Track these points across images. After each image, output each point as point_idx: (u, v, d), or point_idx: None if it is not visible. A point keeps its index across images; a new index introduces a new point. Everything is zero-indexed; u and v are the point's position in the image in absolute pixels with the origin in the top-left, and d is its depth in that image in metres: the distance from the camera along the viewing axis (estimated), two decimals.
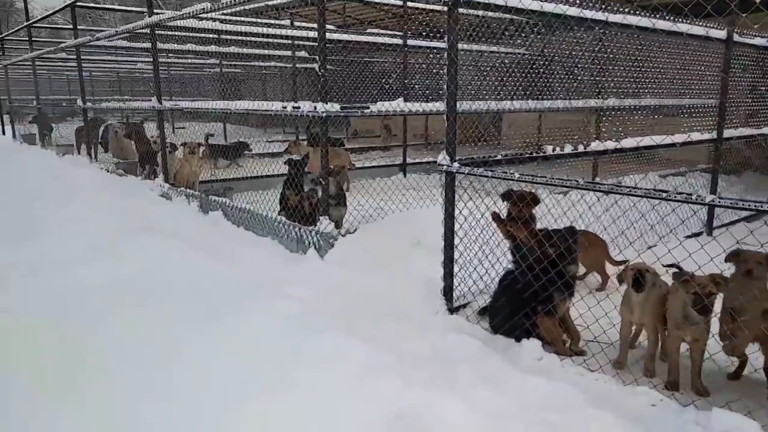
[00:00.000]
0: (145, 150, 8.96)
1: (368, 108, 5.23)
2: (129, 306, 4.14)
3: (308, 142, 13.39)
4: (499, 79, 7.78)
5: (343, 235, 5.25)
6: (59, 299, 4.29)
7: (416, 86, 14.90)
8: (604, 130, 7.82)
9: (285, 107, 5.38)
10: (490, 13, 5.44)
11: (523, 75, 8.35)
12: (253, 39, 13.96)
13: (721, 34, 6.00)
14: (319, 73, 4.93)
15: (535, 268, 3.44)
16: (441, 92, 16.85)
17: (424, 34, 11.81)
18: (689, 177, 9.31)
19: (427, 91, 16.92)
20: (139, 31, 7.92)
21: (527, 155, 4.23)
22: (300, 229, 5.45)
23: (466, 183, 4.18)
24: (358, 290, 4.49)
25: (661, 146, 5.28)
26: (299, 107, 5.20)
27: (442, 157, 3.89)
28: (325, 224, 5.19)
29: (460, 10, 3.73)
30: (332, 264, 4.99)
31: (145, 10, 12.38)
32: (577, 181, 3.21)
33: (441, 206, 6.23)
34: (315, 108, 5.00)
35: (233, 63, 16.73)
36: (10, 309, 4.17)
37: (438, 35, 11.02)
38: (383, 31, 13.32)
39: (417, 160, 11.51)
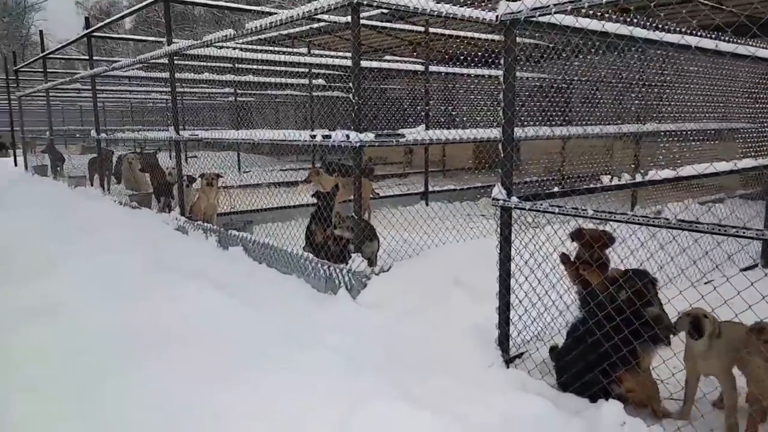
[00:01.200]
0: (161, 182, 8.62)
1: (403, 136, 4.85)
2: (142, 357, 3.73)
3: (326, 171, 13.12)
4: (543, 102, 7.38)
5: (376, 274, 4.83)
6: (65, 348, 3.89)
7: (432, 113, 14.63)
8: (651, 156, 7.37)
9: (314, 136, 5.01)
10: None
11: (565, 99, 7.97)
12: (269, 67, 13.82)
13: None
14: (353, 100, 4.56)
15: (615, 318, 2.99)
16: (458, 118, 16.61)
17: (444, 60, 11.58)
18: (730, 204, 8.86)
19: (442, 118, 16.70)
20: (156, 60, 7.69)
21: (585, 187, 3.80)
22: (329, 267, 5.02)
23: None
24: (399, 338, 4.04)
25: (721, 173, 4.86)
26: (330, 136, 4.83)
27: (498, 191, 3.47)
28: (357, 262, 4.76)
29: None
30: (367, 306, 4.55)
31: (159, 39, 12.25)
32: (666, 220, 2.78)
33: (476, 240, 5.88)
34: (348, 137, 4.63)
35: (248, 92, 16.56)
36: (10, 359, 3.79)
37: (459, 61, 10.76)
38: (402, 59, 13.10)
39: (438, 188, 11.10)
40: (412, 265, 4.99)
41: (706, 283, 4.16)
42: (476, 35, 10.71)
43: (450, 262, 5.07)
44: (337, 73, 14.81)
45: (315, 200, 6.03)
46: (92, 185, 11.82)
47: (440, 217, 7.24)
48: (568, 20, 3.53)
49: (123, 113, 30.28)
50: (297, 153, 22.75)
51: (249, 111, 21.26)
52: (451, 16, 4.82)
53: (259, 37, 16.31)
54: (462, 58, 9.97)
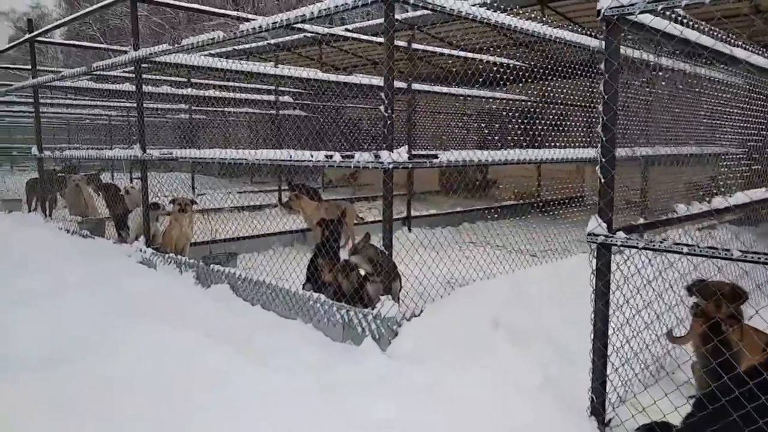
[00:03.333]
0: (121, 210, 7.50)
1: (437, 157, 4.16)
2: None
3: (291, 194, 12.21)
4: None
5: (407, 319, 4.07)
6: None
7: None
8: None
9: (330, 156, 4.24)
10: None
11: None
12: (228, 83, 12.89)
13: None
14: (386, 114, 3.84)
15: None
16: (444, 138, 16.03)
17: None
18: (725, 230, 8.65)
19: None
20: (106, 72, 6.71)
21: (685, 214, 3.23)
22: (348, 311, 4.22)
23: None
24: (457, 404, 3.28)
25: None
26: (352, 156, 4.08)
27: (596, 225, 2.82)
28: (388, 306, 3.99)
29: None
30: (403, 361, 3.77)
31: (120, 48, 11.11)
32: None
33: (505, 275, 5.23)
34: (378, 158, 3.89)
35: (203, 108, 15.50)
36: None
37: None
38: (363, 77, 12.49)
39: (419, 213, 10.44)
40: (445, 308, 4.26)
41: None
42: (460, 53, 10.26)
43: (486, 302, 4.39)
44: (305, 91, 14.09)
45: (308, 227, 5.26)
46: (30, 210, 10.44)
47: (424, 245, 6.53)
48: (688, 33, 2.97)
49: (55, 131, 28.13)
50: (252, 174, 21.66)
51: (202, 129, 20.12)
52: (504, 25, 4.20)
53: (238, 47, 15.39)
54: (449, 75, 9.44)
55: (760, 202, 4.43)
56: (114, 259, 6.58)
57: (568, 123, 10.62)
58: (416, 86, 9.56)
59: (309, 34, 14.32)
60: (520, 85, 12.68)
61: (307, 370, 3.74)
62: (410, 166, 3.97)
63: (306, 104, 13.37)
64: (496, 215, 10.06)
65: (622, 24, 2.71)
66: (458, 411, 3.20)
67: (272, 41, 15.81)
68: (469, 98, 11.59)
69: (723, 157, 4.04)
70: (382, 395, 3.39)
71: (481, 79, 9.73)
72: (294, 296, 4.67)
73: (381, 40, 9.85)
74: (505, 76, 9.14)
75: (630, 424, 3.00)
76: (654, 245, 2.61)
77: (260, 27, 4.61)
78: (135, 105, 16.02)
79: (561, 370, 3.63)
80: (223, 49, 16.59)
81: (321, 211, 7.79)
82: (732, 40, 3.97)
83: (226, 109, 13.65)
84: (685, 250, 2.52)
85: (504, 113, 14.23)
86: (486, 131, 14.69)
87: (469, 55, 10.28)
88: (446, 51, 10.56)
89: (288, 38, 15.88)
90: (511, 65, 10.86)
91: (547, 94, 11.64)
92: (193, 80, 13.69)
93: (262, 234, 7.37)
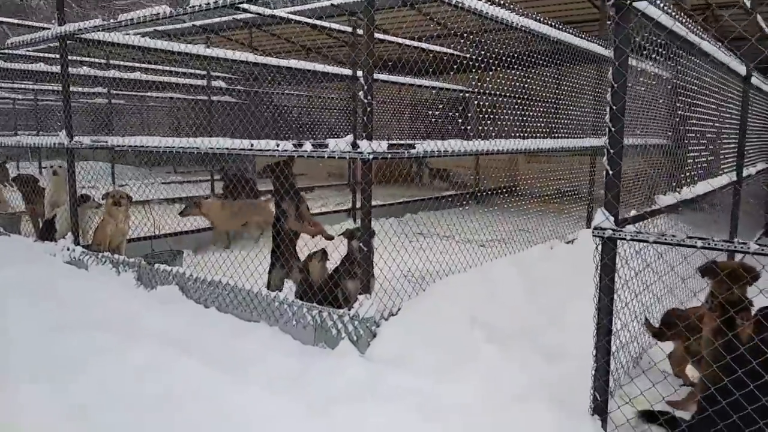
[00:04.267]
0: (42, 201, 6.70)
1: (413, 147, 3.93)
2: None
3: (226, 188, 11.56)
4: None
5: (386, 319, 3.85)
6: None
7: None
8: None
9: (300, 145, 3.91)
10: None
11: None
12: (154, 66, 11.99)
13: None
14: (365, 101, 3.57)
15: None
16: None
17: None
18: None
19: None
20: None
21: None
22: (320, 312, 3.93)
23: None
24: (452, 414, 3.08)
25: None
26: (325, 145, 3.78)
27: (603, 218, 2.71)
28: (367, 306, 3.74)
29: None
30: (385, 365, 3.54)
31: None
32: None
33: (475, 269, 5.10)
34: (356, 147, 3.62)
35: (124, 93, 14.43)
36: None
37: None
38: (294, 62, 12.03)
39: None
40: (422, 306, 4.07)
41: None
42: (416, 44, 10.05)
43: (461, 299, 4.26)
44: (236, 77, 13.38)
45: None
46: None
47: (377, 236, 6.33)
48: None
49: None
50: (175, 164, 20.46)
51: (119, 115, 18.76)
52: None
53: (159, 28, 14.40)
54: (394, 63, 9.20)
55: (720, 189, 4.58)
56: (38, 260, 5.89)
57: (502, 113, 10.76)
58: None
59: (239, 17, 13.66)
60: (457, 75, 12.68)
61: (286, 382, 3.44)
62: (389, 156, 3.72)
63: (241, 90, 12.70)
64: (441, 205, 10.01)
65: (630, 13, 2.60)
66: (454, 422, 3.01)
67: (198, 23, 14.93)
68: (411, 86, 11.43)
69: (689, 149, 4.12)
70: (371, 406, 3.16)
71: (422, 68, 9.65)
72: (256, 296, 4.32)
73: (328, 24, 9.52)
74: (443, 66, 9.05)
75: (634, 422, 2.95)
76: (666, 239, 2.53)
77: (215, 2, 4.18)
78: (43, 87, 14.64)
79: (548, 370, 3.54)
80: (145, 30, 15.49)
81: (227, 213, 7.25)
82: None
83: (153, 94, 12.75)
84: (699, 243, 2.45)
85: (440, 103, 14.27)
86: (426, 121, 14.64)
87: (413, 43, 10.12)
88: (387, 38, 10.34)
89: (216, 20, 15.06)
90: (452, 55, 10.82)
91: (482, 84, 11.71)
92: (113, 62, 12.67)
93: (208, 228, 6.86)
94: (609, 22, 2.71)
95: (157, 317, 4.36)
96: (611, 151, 2.69)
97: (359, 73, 9.65)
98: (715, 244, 2.43)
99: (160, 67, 12.06)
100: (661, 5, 2.88)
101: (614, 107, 2.67)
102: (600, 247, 2.76)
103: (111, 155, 14.85)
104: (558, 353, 3.73)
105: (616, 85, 2.65)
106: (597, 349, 2.82)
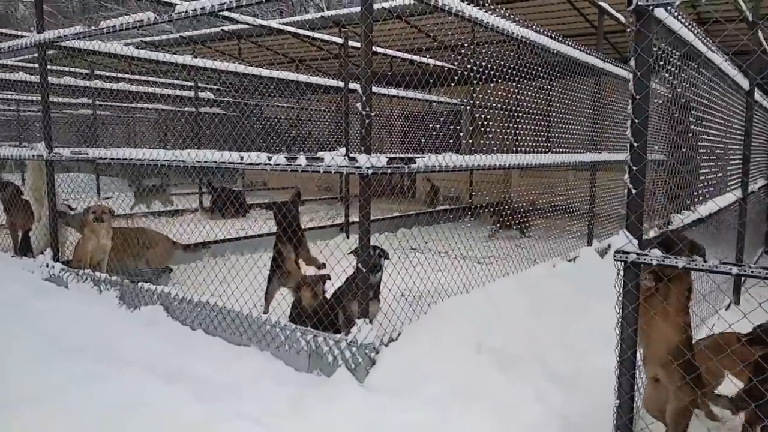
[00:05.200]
0: (22, 213, 6.36)
1: (414, 162, 3.73)
2: None
3: (216, 198, 11.26)
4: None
5: (385, 345, 3.61)
6: None
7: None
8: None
9: (293, 159, 3.69)
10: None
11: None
12: (144, 78, 11.74)
13: None
14: (363, 113, 3.36)
15: None
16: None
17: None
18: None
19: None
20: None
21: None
22: (315, 336, 3.69)
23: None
24: None
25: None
26: (321, 159, 3.56)
27: (626, 241, 2.52)
28: (366, 331, 3.50)
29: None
30: (387, 396, 3.30)
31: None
32: None
33: (477, 289, 4.87)
34: (353, 160, 3.40)
35: (110, 103, 14.12)
36: None
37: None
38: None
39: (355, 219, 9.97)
40: (423, 330, 3.84)
41: None
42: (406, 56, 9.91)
43: (465, 323, 4.03)
44: (223, 88, 13.17)
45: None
46: None
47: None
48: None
49: None
50: (161, 175, 20.07)
51: (103, 127, 18.41)
52: None
53: (146, 38, 14.17)
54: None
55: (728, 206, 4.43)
56: (15, 277, 5.58)
57: (497, 127, 10.64)
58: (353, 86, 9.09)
59: (227, 28, 13.47)
60: (449, 88, 12.57)
61: (280, 416, 3.18)
62: (389, 171, 3.51)
63: (229, 102, 12.47)
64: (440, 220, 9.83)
65: (652, 20, 2.42)
66: None
67: (185, 34, 14.72)
68: (402, 99, 11.28)
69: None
70: None
71: (415, 81, 9.50)
72: (246, 319, 4.06)
73: (321, 35, 9.35)
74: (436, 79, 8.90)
75: None
76: (698, 264, 2.33)
77: (203, 8, 3.97)
78: (26, 98, 14.27)
79: (564, 401, 3.33)
80: (132, 41, 15.24)
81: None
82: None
83: (139, 105, 12.47)
84: (735, 270, 2.26)
85: (434, 116, 14.14)
86: (417, 134, 14.48)
87: (405, 56, 9.99)
88: (380, 50, 10.20)
89: (203, 31, 14.86)
90: (445, 68, 10.70)
91: (477, 97, 11.59)
92: (97, 72, 12.39)
93: (195, 243, 6.58)
94: (629, 30, 2.53)
95: (140, 341, 4.09)
96: (634, 168, 2.49)
97: (355, 85, 9.48)
98: (752, 271, 2.24)
99: (147, 78, 11.83)
100: (677, 14, 2.72)
101: (636, 121, 2.48)
102: (622, 273, 2.55)
103: (95, 167, 14.52)
104: (572, 382, 3.52)
105: (638, 97, 2.47)
106: (620, 383, 2.60)
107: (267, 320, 3.93)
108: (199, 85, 11.17)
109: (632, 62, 2.48)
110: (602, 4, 6.47)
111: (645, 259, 2.46)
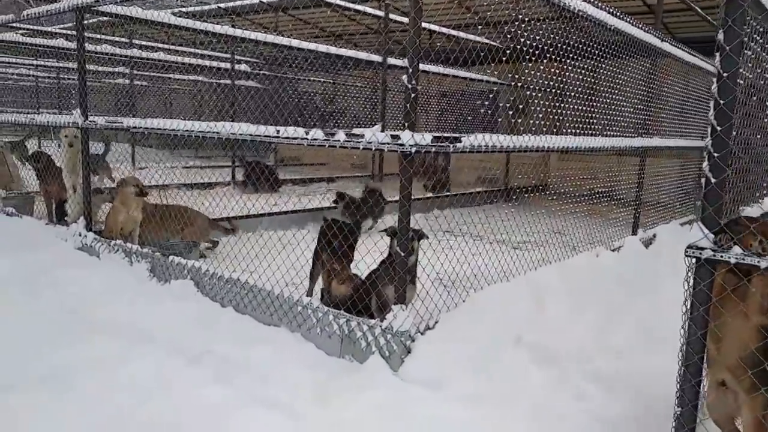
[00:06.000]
0: (55, 181, 6.37)
1: (460, 141, 3.49)
2: None
3: (248, 171, 11.18)
4: None
5: (422, 333, 3.43)
6: None
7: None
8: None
9: (331, 134, 3.49)
10: None
11: None
12: (182, 49, 11.66)
13: None
14: (409, 86, 3.13)
15: None
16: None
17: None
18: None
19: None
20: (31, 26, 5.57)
21: None
22: (348, 321, 3.52)
23: None
24: None
25: None
26: (361, 135, 3.35)
27: (701, 235, 2.25)
28: (402, 318, 3.32)
29: None
30: (422, 387, 3.12)
31: None
32: None
33: (517, 279, 4.64)
34: (396, 139, 3.19)
35: (146, 73, 14.13)
36: None
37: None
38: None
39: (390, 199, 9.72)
40: (461, 319, 3.64)
41: None
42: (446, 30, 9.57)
43: (504, 312, 3.82)
44: (260, 61, 13.02)
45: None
46: None
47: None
48: None
49: None
50: (197, 147, 20.18)
51: (140, 97, 18.53)
52: None
53: (184, 8, 14.14)
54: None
55: None
56: (48, 244, 5.57)
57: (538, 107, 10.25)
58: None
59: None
60: (491, 66, 12.14)
61: (309, 401, 3.03)
62: (433, 149, 3.29)
63: (266, 75, 12.31)
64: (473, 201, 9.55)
65: None
66: None
67: (222, 5, 14.56)
68: (438, 77, 10.95)
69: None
70: None
71: (461, 58, 9.15)
72: (277, 299, 3.92)
73: (362, 8, 9.07)
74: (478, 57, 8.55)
75: None
76: None
77: None
78: (66, 65, 14.41)
79: (607, 404, 3.09)
80: (171, 11, 15.16)
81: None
82: None
83: (174, 75, 12.42)
84: None
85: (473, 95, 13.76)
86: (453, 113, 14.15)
87: (450, 31, 9.63)
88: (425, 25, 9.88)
89: (241, 2, 14.68)
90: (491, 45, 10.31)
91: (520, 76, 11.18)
92: (135, 41, 12.37)
93: (225, 217, 6.48)
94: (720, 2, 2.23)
95: (168, 317, 3.99)
96: (716, 155, 2.22)
97: (396, 60, 9.18)
98: None
99: (184, 49, 11.74)
100: None
101: (721, 102, 2.20)
102: (694, 270, 2.29)
103: (131, 137, 14.61)
104: (616, 383, 3.28)
105: (725, 75, 2.18)
106: (683, 390, 2.36)
107: (299, 301, 3.78)
108: (236, 57, 11.02)
109: (720, 35, 2.19)
110: None
111: (723, 256, 2.20)
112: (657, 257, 6.21)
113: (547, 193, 12.43)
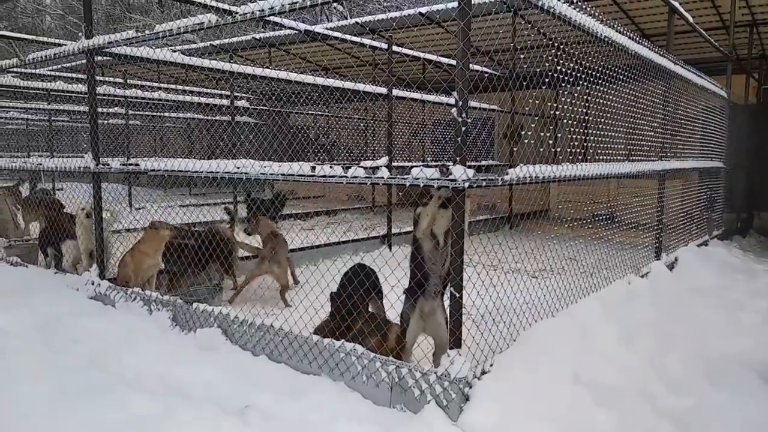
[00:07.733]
0: (57, 223, 6.11)
1: (507, 174, 3.36)
2: None
3: (250, 209, 11.02)
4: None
5: (478, 378, 3.24)
6: None
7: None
8: None
9: (374, 170, 3.35)
10: None
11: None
12: (179, 87, 11.59)
13: None
14: (459, 119, 3.01)
15: None
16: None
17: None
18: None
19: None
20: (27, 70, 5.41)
21: None
22: (398, 367, 3.33)
23: None
24: None
25: None
26: (407, 170, 3.22)
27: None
28: (459, 363, 3.13)
29: None
30: None
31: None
32: None
33: (562, 313, 4.45)
34: (447, 173, 3.05)
35: (140, 113, 14.01)
36: None
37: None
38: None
39: (398, 230, 9.54)
40: (516, 360, 3.47)
41: None
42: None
43: (557, 350, 3.65)
44: (255, 96, 12.97)
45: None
46: None
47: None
48: None
49: None
50: (189, 186, 19.92)
51: (134, 135, 18.37)
52: None
53: (215, 42, 14.03)
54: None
55: None
56: (60, 294, 5.33)
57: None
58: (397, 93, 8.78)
59: (258, 36, 13.26)
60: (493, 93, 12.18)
61: None
62: (484, 184, 3.16)
63: (266, 110, 12.24)
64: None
65: None
66: None
67: (216, 43, 14.55)
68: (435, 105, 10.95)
69: None
70: None
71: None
72: (316, 345, 3.72)
73: (368, 41, 9.02)
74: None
75: None
76: None
77: (271, 8, 3.66)
78: (58, 108, 14.20)
79: None
80: (193, 46, 15.04)
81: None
82: None
83: (172, 114, 12.30)
84: None
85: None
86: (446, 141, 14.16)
87: (447, 60, 9.65)
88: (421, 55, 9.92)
89: (235, 39, 14.69)
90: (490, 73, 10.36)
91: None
92: (130, 81, 12.28)
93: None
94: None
95: (198, 370, 3.76)
96: None
97: (400, 91, 9.15)
98: None
99: (182, 87, 11.66)
100: None
101: None
102: None
103: (127, 177, 14.37)
104: (692, 425, 3.11)
105: None
106: None
107: (341, 347, 3.58)
108: (235, 93, 10.94)
109: None
110: (674, 3, 6.06)
111: None
112: (684, 282, 6.11)
113: (550, 219, 12.37)
